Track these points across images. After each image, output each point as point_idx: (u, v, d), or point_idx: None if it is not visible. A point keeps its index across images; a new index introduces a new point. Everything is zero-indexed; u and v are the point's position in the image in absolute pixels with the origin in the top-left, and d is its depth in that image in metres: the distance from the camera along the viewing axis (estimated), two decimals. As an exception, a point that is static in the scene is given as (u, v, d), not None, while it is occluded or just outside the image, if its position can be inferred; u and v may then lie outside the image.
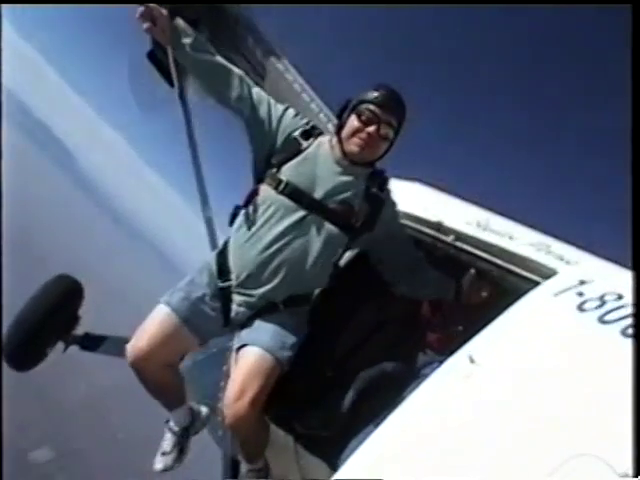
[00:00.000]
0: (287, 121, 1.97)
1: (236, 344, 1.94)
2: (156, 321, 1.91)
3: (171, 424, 2.17)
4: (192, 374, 2.48)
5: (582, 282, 1.60)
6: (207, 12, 2.79)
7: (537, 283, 1.75)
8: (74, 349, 2.91)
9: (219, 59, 1.96)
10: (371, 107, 1.86)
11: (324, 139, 1.98)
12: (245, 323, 1.95)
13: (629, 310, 1.40)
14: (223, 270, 1.96)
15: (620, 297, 1.47)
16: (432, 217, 2.14)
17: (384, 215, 1.99)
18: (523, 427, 1.23)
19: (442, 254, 2.06)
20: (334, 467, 1.81)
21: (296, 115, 2.00)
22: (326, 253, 1.91)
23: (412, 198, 2.33)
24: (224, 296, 1.95)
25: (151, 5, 1.87)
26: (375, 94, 1.88)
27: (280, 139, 1.95)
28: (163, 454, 2.15)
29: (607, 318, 1.41)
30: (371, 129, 1.86)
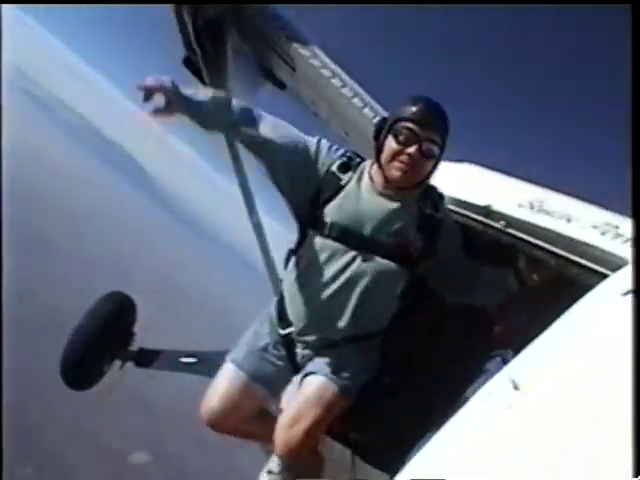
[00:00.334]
0: (323, 155, 1.83)
1: (301, 374, 1.87)
2: (225, 380, 1.88)
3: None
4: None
5: None
6: (229, 12, 2.72)
7: (603, 275, 1.44)
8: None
9: (238, 106, 1.78)
10: (409, 125, 1.69)
11: (365, 166, 1.84)
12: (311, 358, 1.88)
13: None
14: (283, 317, 1.90)
15: None
16: (480, 201, 1.90)
17: (444, 236, 1.83)
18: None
19: (493, 241, 1.81)
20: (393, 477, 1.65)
21: (330, 147, 1.86)
22: (385, 292, 1.80)
23: (460, 181, 2.14)
24: (288, 343, 1.89)
25: (154, 84, 1.57)
26: (412, 109, 1.70)
27: (321, 177, 1.82)
28: (269, 473, 1.99)
29: None
30: (411, 150, 1.70)
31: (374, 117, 2.51)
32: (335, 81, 2.56)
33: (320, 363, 1.83)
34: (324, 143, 1.86)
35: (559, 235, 1.60)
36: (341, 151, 1.87)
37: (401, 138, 1.70)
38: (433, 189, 1.87)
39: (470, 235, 1.91)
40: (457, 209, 1.99)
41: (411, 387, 2.02)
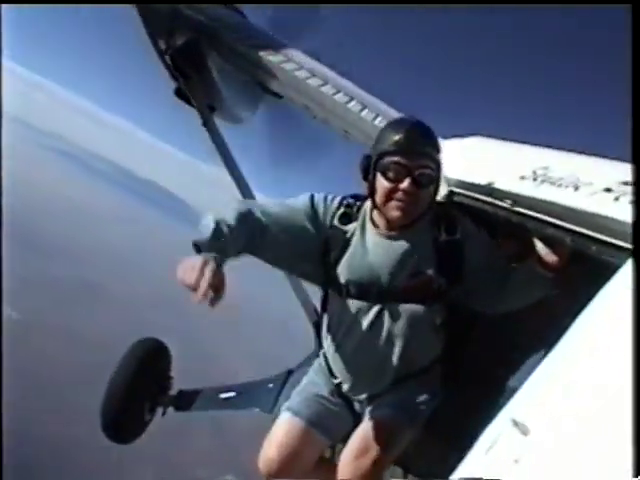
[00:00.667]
0: (321, 212, 1.71)
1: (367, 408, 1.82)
2: (282, 430, 1.79)
3: None
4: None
5: None
6: (201, 34, 2.63)
7: (625, 250, 1.16)
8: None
9: (247, 218, 1.61)
10: (395, 159, 1.54)
11: (365, 210, 1.71)
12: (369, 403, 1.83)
13: None
14: (332, 371, 1.86)
15: None
16: (484, 180, 1.69)
17: (469, 256, 1.66)
18: None
19: (506, 223, 1.58)
20: None
21: (325, 200, 1.73)
22: (422, 333, 1.70)
23: (463, 160, 1.95)
24: (343, 391, 1.85)
25: (194, 282, 1.30)
26: (394, 139, 1.54)
27: (327, 235, 1.71)
28: None
29: None
30: (405, 185, 1.54)
31: (361, 110, 2.35)
32: (312, 81, 2.41)
33: (381, 403, 1.78)
34: (318, 198, 1.73)
35: (570, 210, 1.34)
36: (337, 200, 1.74)
37: (390, 175, 1.55)
38: (443, 208, 1.71)
39: (481, 220, 1.70)
40: (463, 191, 1.80)
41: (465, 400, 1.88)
